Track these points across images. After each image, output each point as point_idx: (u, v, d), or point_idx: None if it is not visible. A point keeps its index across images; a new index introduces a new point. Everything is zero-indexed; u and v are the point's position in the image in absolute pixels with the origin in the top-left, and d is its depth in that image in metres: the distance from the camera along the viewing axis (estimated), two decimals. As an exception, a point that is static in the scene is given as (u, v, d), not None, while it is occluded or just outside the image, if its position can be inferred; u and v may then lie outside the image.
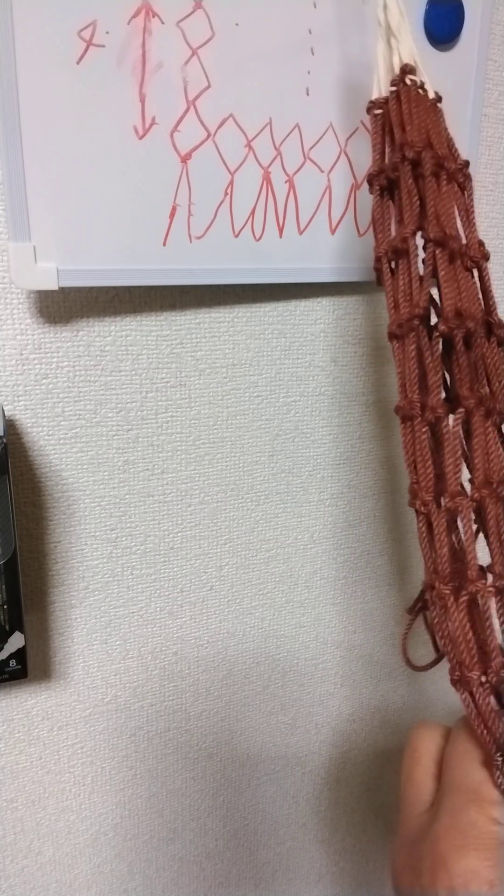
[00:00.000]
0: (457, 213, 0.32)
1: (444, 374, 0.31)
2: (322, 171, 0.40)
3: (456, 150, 0.33)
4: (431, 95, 0.33)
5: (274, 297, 0.43)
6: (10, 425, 0.39)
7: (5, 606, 0.36)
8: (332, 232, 0.42)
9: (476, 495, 0.29)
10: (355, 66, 0.39)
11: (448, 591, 0.29)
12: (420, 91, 0.32)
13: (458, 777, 0.30)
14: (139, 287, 0.39)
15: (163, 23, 0.34)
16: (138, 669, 0.47)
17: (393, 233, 0.33)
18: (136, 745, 0.49)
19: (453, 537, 0.30)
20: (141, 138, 0.35)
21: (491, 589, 0.28)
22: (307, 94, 0.38)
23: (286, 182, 0.39)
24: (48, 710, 0.45)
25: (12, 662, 0.37)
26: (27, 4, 0.31)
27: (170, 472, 0.44)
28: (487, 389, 0.31)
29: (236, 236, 0.39)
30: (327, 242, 0.42)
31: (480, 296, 0.32)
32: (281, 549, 0.49)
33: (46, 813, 0.47)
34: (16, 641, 0.37)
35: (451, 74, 0.42)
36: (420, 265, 0.31)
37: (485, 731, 0.28)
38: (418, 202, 0.30)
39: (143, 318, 0.40)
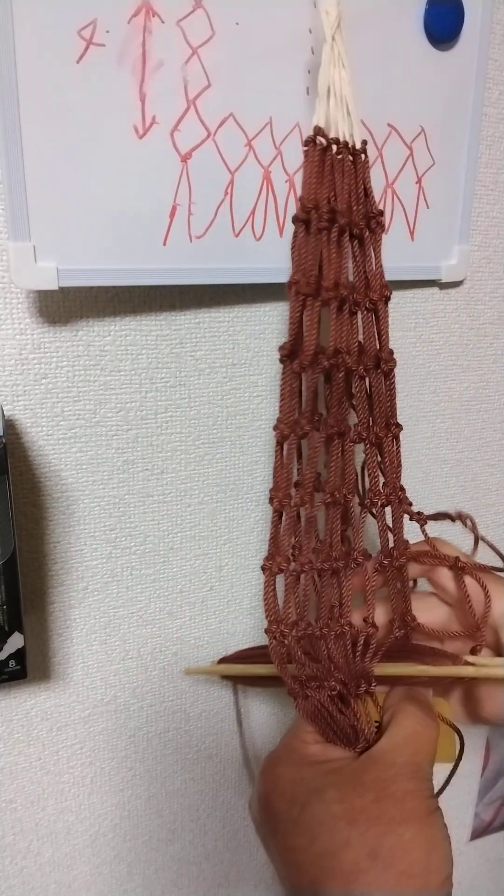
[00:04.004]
0: (358, 262, 0.36)
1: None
2: (322, 171, 0.40)
3: (362, 203, 0.35)
4: (357, 144, 0.35)
5: (274, 297, 0.43)
6: (10, 425, 0.39)
7: (4, 607, 0.36)
8: (333, 232, 0.42)
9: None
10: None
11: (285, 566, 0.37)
12: (334, 148, 0.34)
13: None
14: (139, 287, 0.39)
15: (163, 22, 0.34)
16: (138, 670, 0.47)
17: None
18: (135, 746, 0.49)
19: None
20: (141, 138, 0.35)
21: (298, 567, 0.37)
22: (307, 94, 0.38)
23: (287, 181, 0.39)
24: (47, 711, 0.45)
25: (11, 663, 0.37)
26: (27, 4, 0.31)
27: (169, 472, 0.44)
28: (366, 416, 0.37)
29: (236, 236, 0.39)
30: (327, 242, 0.42)
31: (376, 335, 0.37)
32: (281, 550, 0.49)
33: (45, 814, 0.47)
34: (15, 642, 0.37)
35: (451, 74, 0.42)
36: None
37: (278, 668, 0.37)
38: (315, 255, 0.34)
39: (142, 318, 0.40)
